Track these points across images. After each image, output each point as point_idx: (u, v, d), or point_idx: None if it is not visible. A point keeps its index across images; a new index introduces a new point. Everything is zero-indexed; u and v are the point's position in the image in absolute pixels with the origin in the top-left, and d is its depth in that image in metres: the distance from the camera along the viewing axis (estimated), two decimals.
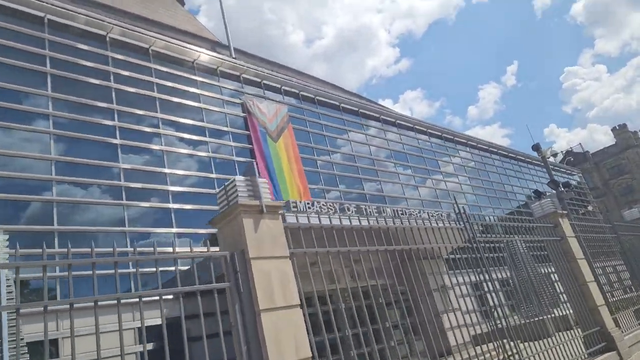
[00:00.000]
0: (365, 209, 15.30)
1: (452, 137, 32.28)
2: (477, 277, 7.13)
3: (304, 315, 4.59)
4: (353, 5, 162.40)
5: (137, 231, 14.57)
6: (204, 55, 19.42)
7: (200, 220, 15.51)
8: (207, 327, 4.14)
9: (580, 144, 73.30)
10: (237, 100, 19.95)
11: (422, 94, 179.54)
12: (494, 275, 7.64)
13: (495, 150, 36.09)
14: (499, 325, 6.93)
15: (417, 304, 6.22)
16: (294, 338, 4.29)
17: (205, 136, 17.92)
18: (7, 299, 3.64)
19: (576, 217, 11.92)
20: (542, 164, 24.59)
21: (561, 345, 7.94)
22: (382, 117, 27.32)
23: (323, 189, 20.97)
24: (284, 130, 20.35)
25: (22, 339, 3.71)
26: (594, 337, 8.72)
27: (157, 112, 16.79)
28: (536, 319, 8.13)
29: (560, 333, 8.38)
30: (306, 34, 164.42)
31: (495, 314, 7.10)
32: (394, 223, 6.41)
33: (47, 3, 15.05)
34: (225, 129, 18.80)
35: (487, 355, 6.61)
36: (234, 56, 22.51)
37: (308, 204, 13.49)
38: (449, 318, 6.58)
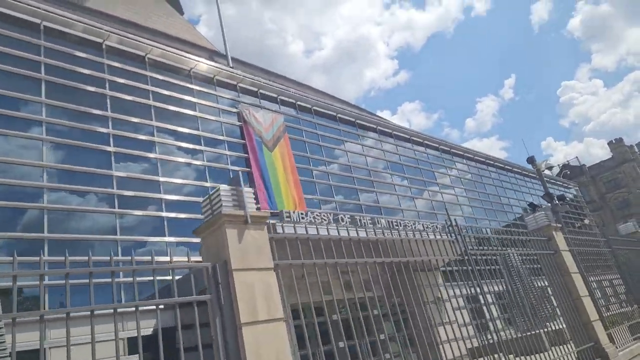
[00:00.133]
0: (360, 220, 15.21)
1: (448, 149, 32.28)
2: (469, 290, 7.04)
3: (297, 326, 4.49)
4: (352, 17, 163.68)
5: (130, 240, 14.44)
6: (201, 64, 19.42)
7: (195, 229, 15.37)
8: (192, 340, 4.05)
9: (577, 157, 73.51)
10: (234, 109, 19.92)
11: (420, 106, 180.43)
12: (488, 289, 7.56)
13: (492, 162, 36.10)
14: (490, 340, 6.82)
15: (411, 316, 6.13)
16: (275, 353, 4.17)
17: (201, 145, 17.86)
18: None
19: (572, 231, 11.86)
20: (538, 176, 24.55)
21: None
22: (379, 128, 27.31)
23: (319, 199, 20.88)
24: (280, 140, 20.31)
25: (4, 349, 3.63)
26: (587, 353, 8.61)
27: (152, 120, 16.73)
28: (531, 332, 8.03)
29: (555, 347, 8.27)
30: (306, 44, 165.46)
31: (489, 327, 7.01)
32: (389, 234, 6.32)
33: (44, 10, 15.03)
34: (221, 137, 18.74)
35: None
36: (231, 65, 22.53)
37: (302, 214, 13.41)
38: (445, 330, 6.46)
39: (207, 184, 17.18)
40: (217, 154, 18.38)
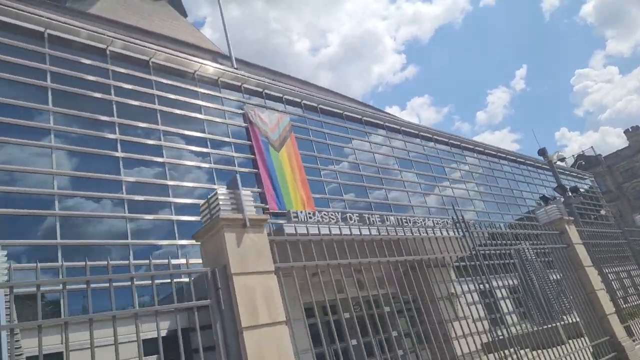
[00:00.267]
0: (368, 218, 15.07)
1: (459, 144, 31.96)
2: (477, 286, 6.89)
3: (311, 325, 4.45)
4: (357, 12, 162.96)
5: (141, 244, 14.50)
6: (205, 67, 19.41)
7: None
8: (202, 341, 4.04)
9: (592, 147, 72.25)
10: (239, 111, 19.89)
11: (429, 100, 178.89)
12: (500, 283, 7.42)
13: (504, 155, 35.67)
14: (500, 336, 6.67)
15: (423, 313, 6.05)
16: (278, 356, 4.11)
17: (207, 147, 17.85)
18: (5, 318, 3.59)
19: (587, 222, 11.60)
20: (550, 168, 24.16)
21: (570, 356, 7.64)
22: (386, 124, 27.13)
23: (328, 198, 20.77)
24: (286, 140, 20.23)
25: (21, 355, 3.64)
26: (603, 347, 8.38)
27: (158, 124, 16.76)
28: (547, 326, 7.86)
29: (572, 340, 8.09)
30: (311, 42, 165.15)
31: (501, 322, 6.88)
32: (396, 233, 6.22)
33: (47, 18, 15.11)
34: (227, 139, 18.72)
35: None
36: (235, 66, 22.50)
37: (309, 213, 13.30)
38: (460, 325, 6.36)
39: (215, 186, 17.14)
40: (225, 156, 18.36)
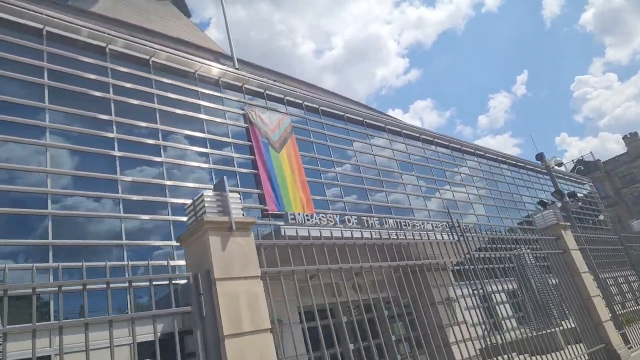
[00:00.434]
0: (367, 221, 15.04)
1: (459, 147, 31.93)
2: (472, 291, 6.87)
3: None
4: (362, 16, 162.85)
5: (135, 244, 14.43)
6: (206, 66, 19.38)
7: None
8: (190, 346, 4.00)
9: (591, 152, 72.10)
10: (240, 111, 19.86)
11: (432, 103, 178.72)
12: (498, 287, 7.41)
13: (504, 159, 35.63)
14: (493, 341, 6.65)
15: (423, 316, 6.02)
16: None
17: (207, 147, 17.82)
18: None
19: (585, 228, 11.58)
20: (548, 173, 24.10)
21: None
22: (387, 127, 27.09)
23: (327, 200, 20.74)
24: (287, 141, 20.21)
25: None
26: (599, 355, 8.36)
27: (157, 123, 16.72)
28: (545, 331, 7.84)
29: (570, 346, 8.07)
30: (316, 44, 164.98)
31: (494, 328, 6.86)
32: (397, 235, 6.20)
33: (47, 15, 15.09)
34: (227, 139, 18.69)
35: None
36: (237, 67, 22.46)
37: (307, 216, 13.29)
38: (460, 330, 6.32)
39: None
40: (224, 157, 18.33)
